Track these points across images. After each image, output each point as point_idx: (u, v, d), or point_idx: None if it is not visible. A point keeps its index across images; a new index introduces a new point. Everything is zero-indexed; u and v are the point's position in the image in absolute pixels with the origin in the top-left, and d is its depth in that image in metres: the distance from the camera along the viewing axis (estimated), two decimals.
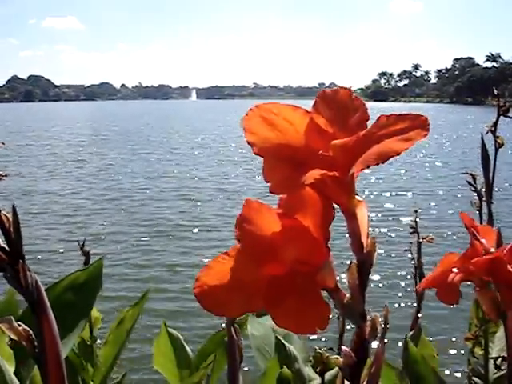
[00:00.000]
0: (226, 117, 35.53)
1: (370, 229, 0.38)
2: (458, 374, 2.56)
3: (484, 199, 1.17)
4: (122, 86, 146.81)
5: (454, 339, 3.07)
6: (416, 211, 1.41)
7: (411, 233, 1.42)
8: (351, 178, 0.36)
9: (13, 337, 0.46)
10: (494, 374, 1.15)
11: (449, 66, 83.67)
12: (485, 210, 1.17)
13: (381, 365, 0.39)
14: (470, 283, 0.61)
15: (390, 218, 6.39)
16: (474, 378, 1.19)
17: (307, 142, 0.37)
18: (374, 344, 0.37)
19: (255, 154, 0.37)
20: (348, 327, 1.33)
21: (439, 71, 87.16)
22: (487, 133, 1.13)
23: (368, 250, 0.37)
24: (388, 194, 8.08)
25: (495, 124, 1.12)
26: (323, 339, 2.62)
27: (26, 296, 0.46)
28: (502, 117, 1.13)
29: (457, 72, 77.07)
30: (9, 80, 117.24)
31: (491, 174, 1.14)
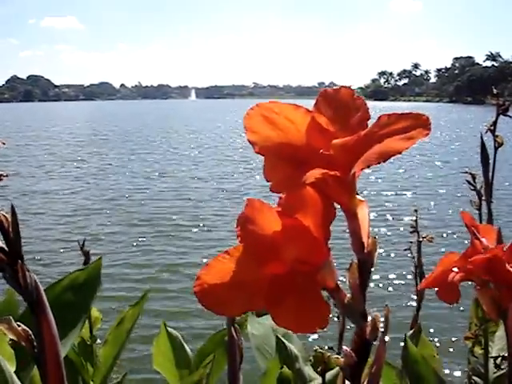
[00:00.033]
0: (225, 116, 35.54)
1: (370, 228, 0.38)
2: (458, 373, 2.56)
3: (484, 198, 1.17)
4: (122, 85, 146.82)
5: (453, 338, 3.07)
6: (416, 210, 1.41)
7: (411, 232, 1.42)
8: (352, 177, 0.36)
9: (12, 337, 0.46)
10: (494, 373, 1.15)
11: (448, 65, 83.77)
12: (484, 209, 1.17)
13: (382, 365, 0.39)
14: (469, 282, 0.61)
15: (390, 218, 6.40)
16: (474, 377, 1.19)
17: (308, 141, 0.37)
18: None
19: (256, 152, 0.37)
20: (348, 326, 1.33)
21: (439, 70, 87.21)
22: (486, 132, 1.13)
23: (369, 249, 0.37)
24: (388, 194, 8.08)
25: (494, 123, 1.12)
26: (323, 338, 2.62)
27: (25, 296, 0.46)
28: (501, 116, 1.13)
29: (456, 71, 77.11)
30: (8, 80, 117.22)
31: (491, 173, 1.14)
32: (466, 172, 1.20)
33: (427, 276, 0.64)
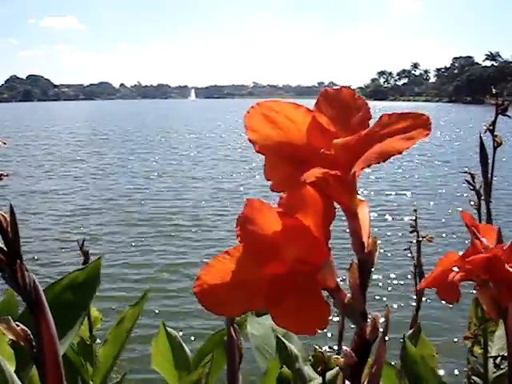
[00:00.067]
0: (225, 116, 35.53)
1: (370, 228, 0.38)
2: (457, 373, 2.57)
3: (483, 198, 1.17)
4: (121, 85, 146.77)
5: (453, 338, 3.07)
6: (415, 210, 1.41)
7: (411, 232, 1.41)
8: (353, 176, 0.35)
9: (11, 337, 0.45)
10: (494, 372, 1.15)
11: (448, 65, 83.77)
12: (483, 208, 1.17)
13: (382, 365, 0.39)
14: (468, 282, 0.61)
15: (389, 218, 6.40)
16: (474, 377, 1.19)
17: (309, 140, 0.37)
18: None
19: (257, 151, 0.37)
20: (347, 326, 1.33)
21: (438, 70, 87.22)
22: (485, 132, 1.13)
23: (369, 249, 0.37)
24: (387, 193, 8.09)
25: (493, 123, 1.12)
26: (323, 338, 2.62)
27: (24, 296, 0.46)
28: (500, 115, 1.13)
29: (456, 71, 77.14)
30: (8, 80, 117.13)
31: (490, 173, 1.14)
32: (466, 172, 1.20)
33: (427, 276, 0.64)
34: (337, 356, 0.38)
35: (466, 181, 1.20)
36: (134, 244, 5.37)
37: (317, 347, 0.74)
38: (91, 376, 1.27)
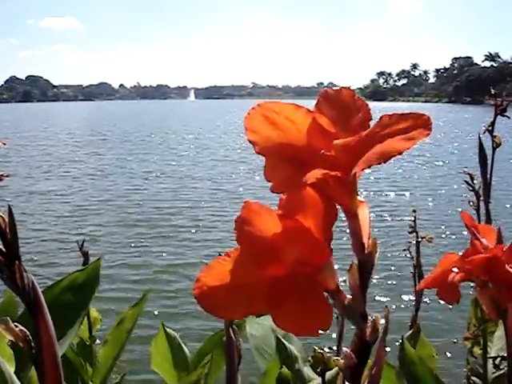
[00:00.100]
0: (224, 116, 35.53)
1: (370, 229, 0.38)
2: (457, 374, 2.56)
3: (482, 199, 1.17)
4: (121, 86, 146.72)
5: (453, 339, 3.07)
6: (415, 211, 1.41)
7: (410, 232, 1.41)
8: (353, 177, 0.35)
9: (10, 338, 0.45)
10: (493, 373, 1.15)
11: (447, 66, 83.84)
12: (482, 209, 1.17)
13: (382, 366, 0.38)
14: (468, 283, 0.61)
15: (389, 218, 6.40)
16: (473, 378, 1.19)
17: (309, 141, 0.37)
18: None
19: (257, 152, 0.37)
20: (347, 327, 1.33)
21: (438, 70, 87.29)
22: (484, 132, 1.13)
23: (369, 250, 0.37)
24: (386, 194, 8.09)
25: (492, 123, 1.12)
26: (323, 338, 2.62)
27: (23, 297, 0.46)
28: (499, 116, 1.13)
29: (455, 71, 77.21)
30: (7, 80, 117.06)
31: (489, 174, 1.14)
32: (465, 172, 1.20)
33: (426, 276, 0.64)
34: (337, 357, 0.38)
35: (465, 181, 1.20)
36: (133, 245, 5.36)
37: (316, 348, 0.74)
38: (91, 377, 1.27)
